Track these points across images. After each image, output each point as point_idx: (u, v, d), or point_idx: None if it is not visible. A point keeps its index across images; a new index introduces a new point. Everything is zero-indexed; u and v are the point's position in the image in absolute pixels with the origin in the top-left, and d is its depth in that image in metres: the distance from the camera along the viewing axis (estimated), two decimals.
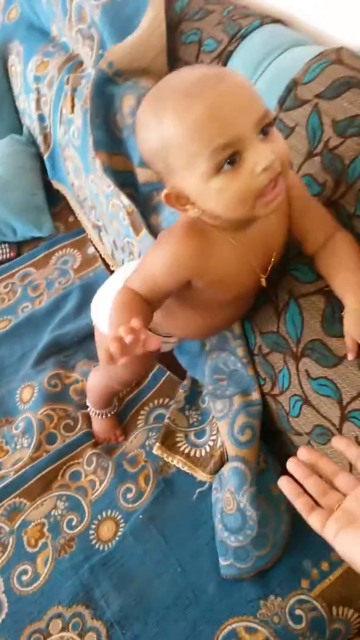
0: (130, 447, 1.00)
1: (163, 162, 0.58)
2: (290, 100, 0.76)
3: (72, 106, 1.16)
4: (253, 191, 0.55)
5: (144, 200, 0.95)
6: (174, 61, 0.96)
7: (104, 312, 0.82)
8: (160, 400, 1.05)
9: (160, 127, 0.55)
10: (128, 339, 0.53)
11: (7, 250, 1.39)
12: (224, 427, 0.84)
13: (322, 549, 0.80)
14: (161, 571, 0.85)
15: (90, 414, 1.04)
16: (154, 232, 0.92)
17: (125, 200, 0.94)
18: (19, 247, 1.41)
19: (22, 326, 1.24)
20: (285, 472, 0.56)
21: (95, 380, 0.99)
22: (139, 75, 0.95)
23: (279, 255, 0.71)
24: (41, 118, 1.32)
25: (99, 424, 1.03)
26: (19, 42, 1.41)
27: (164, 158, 0.57)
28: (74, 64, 1.22)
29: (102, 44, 1.08)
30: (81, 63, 1.20)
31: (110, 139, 0.96)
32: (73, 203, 1.37)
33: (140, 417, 1.04)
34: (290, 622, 0.76)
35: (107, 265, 1.30)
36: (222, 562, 0.81)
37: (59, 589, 0.86)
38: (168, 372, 1.08)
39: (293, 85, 0.76)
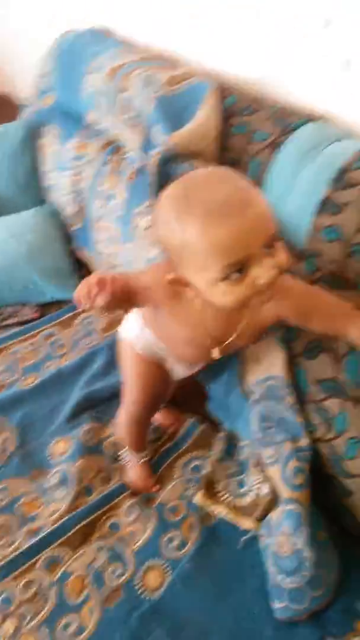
0: (168, 497, 1.02)
1: (178, 256, 0.68)
2: (342, 182, 0.89)
3: (114, 183, 1.28)
4: (253, 297, 0.66)
5: None
6: (223, 149, 1.10)
7: (132, 325, 0.93)
8: (196, 453, 1.09)
9: (182, 232, 0.64)
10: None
11: (32, 310, 1.44)
12: (276, 472, 0.89)
13: None
14: (214, 617, 0.85)
15: (125, 461, 1.07)
16: None
17: None
18: (43, 308, 1.46)
19: (48, 382, 1.27)
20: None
21: (121, 416, 1.04)
22: (192, 158, 1.08)
23: (240, 340, 0.81)
24: (77, 192, 1.43)
25: (134, 472, 1.06)
26: (57, 125, 1.55)
27: (179, 254, 0.67)
28: (114, 147, 1.36)
29: (147, 131, 1.22)
30: (121, 147, 1.34)
31: None
32: (99, 269, 1.46)
33: (175, 468, 1.08)
34: None
35: None
36: (277, 605, 0.83)
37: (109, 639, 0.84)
38: (203, 425, 1.13)
39: (343, 171, 0.90)
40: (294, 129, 1.02)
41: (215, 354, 0.81)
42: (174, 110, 1.14)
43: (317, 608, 0.82)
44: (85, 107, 1.41)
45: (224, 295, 0.66)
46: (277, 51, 1.11)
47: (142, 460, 1.06)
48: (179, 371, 0.97)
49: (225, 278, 0.64)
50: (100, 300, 0.69)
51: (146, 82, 1.20)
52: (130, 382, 0.98)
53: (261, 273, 0.63)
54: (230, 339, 0.80)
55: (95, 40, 1.45)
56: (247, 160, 1.06)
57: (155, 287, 0.75)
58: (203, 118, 1.08)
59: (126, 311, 0.91)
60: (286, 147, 1.01)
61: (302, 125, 1.02)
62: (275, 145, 1.02)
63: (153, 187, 1.07)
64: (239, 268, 0.63)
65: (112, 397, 1.22)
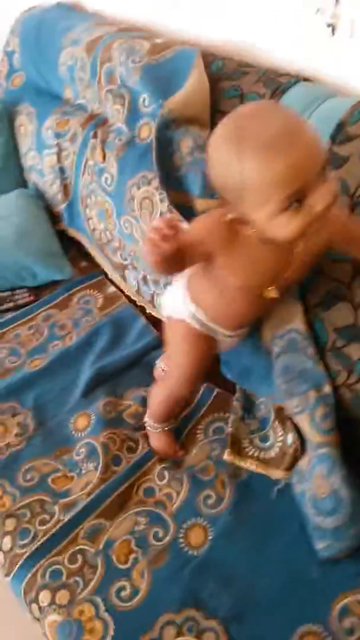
0: (196, 459, 1.05)
1: (236, 194, 0.69)
2: (342, 136, 0.92)
3: (104, 156, 1.28)
4: (311, 224, 0.69)
5: None
6: (216, 112, 1.11)
7: (170, 300, 0.96)
8: (216, 415, 1.12)
9: (241, 169, 0.66)
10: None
11: (27, 294, 1.43)
12: (305, 420, 0.93)
13: None
14: (261, 565, 0.89)
15: (149, 429, 1.09)
16: None
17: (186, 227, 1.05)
18: (37, 291, 1.45)
19: (56, 363, 1.26)
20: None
21: (159, 392, 1.05)
22: (188, 124, 1.09)
23: (295, 272, 0.84)
24: (61, 170, 1.42)
25: (158, 439, 1.08)
26: (30, 105, 1.52)
27: (238, 191, 0.69)
28: (98, 120, 1.35)
29: (133, 102, 1.22)
30: (105, 120, 1.33)
31: (168, 178, 1.08)
32: (91, 248, 1.45)
33: (198, 432, 1.10)
34: None
35: (131, 302, 1.37)
36: (320, 545, 0.88)
37: (164, 597, 0.87)
38: (217, 389, 1.16)
39: (342, 125, 0.93)
40: (286, 90, 1.04)
41: (273, 293, 0.83)
42: (160, 78, 1.15)
43: (357, 544, 0.87)
44: (62, 82, 1.39)
45: (285, 226, 0.68)
46: (257, 16, 1.12)
47: (167, 428, 1.08)
48: (225, 343, 1.00)
49: (286, 209, 0.66)
50: (168, 247, 0.69)
51: (129, 52, 1.19)
52: (183, 359, 0.99)
53: (318, 200, 0.66)
54: (289, 272, 0.82)
55: (65, 14, 1.43)
56: None
57: (209, 236, 0.77)
58: (195, 83, 1.08)
59: (177, 271, 0.88)
60: None
61: (293, 85, 1.05)
62: None
63: (157, 157, 1.07)
64: (298, 197, 0.66)
65: (122, 370, 1.23)
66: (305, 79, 1.06)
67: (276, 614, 0.84)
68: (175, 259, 0.74)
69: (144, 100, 1.18)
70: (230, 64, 1.14)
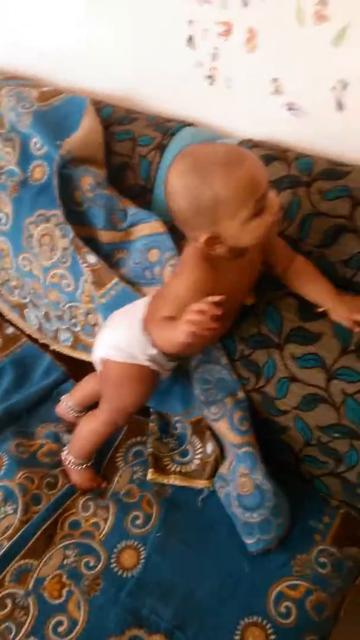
0: (119, 486, 1.06)
1: (209, 213, 0.79)
2: None
3: None
4: (273, 225, 0.82)
5: (106, 258, 1.12)
6: (110, 153, 1.20)
7: (120, 345, 0.97)
8: (133, 440, 1.13)
9: (211, 188, 0.76)
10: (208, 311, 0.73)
11: None
12: (224, 425, 0.99)
13: (319, 507, 0.98)
14: (196, 572, 0.91)
15: (69, 468, 1.07)
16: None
17: (93, 259, 1.09)
18: None
19: None
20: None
21: (94, 430, 1.04)
22: (86, 163, 1.15)
23: (253, 277, 0.95)
24: None
25: (79, 476, 1.06)
26: None
27: (211, 210, 0.78)
28: None
29: (24, 145, 1.26)
30: None
31: (69, 214, 1.12)
32: None
33: (118, 460, 1.11)
34: (319, 569, 0.90)
35: (33, 340, 1.36)
36: (249, 541, 0.93)
37: (104, 623, 0.86)
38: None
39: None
40: (174, 133, 1.16)
41: (250, 299, 0.95)
42: (52, 123, 1.21)
43: (282, 534, 0.93)
44: None
45: (255, 230, 0.79)
46: (144, 66, 1.24)
47: (89, 464, 1.07)
48: (165, 375, 1.04)
49: (256, 213, 0.77)
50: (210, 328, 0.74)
51: (18, 98, 1.24)
52: (132, 398, 1.01)
53: (273, 204, 0.80)
54: (251, 277, 0.93)
55: None
56: (137, 162, 1.17)
57: (199, 274, 0.85)
58: (88, 126, 1.16)
59: None
60: (171, 148, 1.14)
61: (181, 129, 1.17)
62: (160, 147, 1.15)
63: (56, 190, 1.12)
64: (262, 203, 0.77)
65: (31, 408, 1.21)
66: (190, 124, 1.19)
67: (218, 614, 0.86)
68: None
69: (35, 143, 1.22)
70: (119, 110, 1.24)
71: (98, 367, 1.03)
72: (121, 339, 0.97)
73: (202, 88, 1.14)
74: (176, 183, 0.80)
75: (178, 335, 0.75)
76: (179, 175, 0.79)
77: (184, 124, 1.17)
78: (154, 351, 0.94)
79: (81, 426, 1.06)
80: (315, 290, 0.92)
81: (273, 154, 1.03)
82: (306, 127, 1.03)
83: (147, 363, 0.96)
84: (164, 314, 0.86)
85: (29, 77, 1.42)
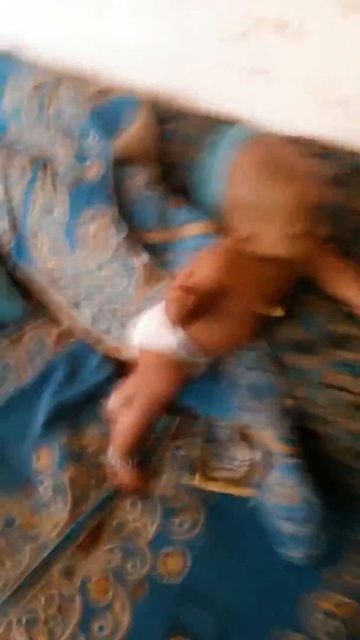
0: (165, 488, 1.05)
1: (262, 214, 0.80)
2: None
3: (55, 191, 1.30)
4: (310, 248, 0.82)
5: (157, 258, 1.11)
6: (162, 154, 1.18)
7: (151, 332, 0.99)
8: (179, 442, 1.13)
9: (272, 191, 0.77)
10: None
11: None
12: (270, 434, 0.97)
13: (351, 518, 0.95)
14: (238, 582, 0.91)
15: (114, 467, 1.08)
16: None
17: (145, 258, 1.09)
18: None
19: (12, 401, 1.23)
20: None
21: (132, 421, 1.05)
22: (138, 162, 1.15)
23: (286, 289, 0.92)
24: (9, 207, 1.41)
25: (125, 476, 1.07)
26: None
27: (262, 211, 0.79)
28: (41, 163, 1.37)
29: (81, 141, 1.26)
30: (47, 163, 1.36)
31: (120, 214, 1.12)
32: (42, 284, 1.45)
33: (163, 462, 1.10)
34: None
35: (86, 336, 1.37)
36: (296, 554, 0.91)
37: (148, 629, 0.87)
38: (179, 417, 1.17)
39: None
40: (224, 132, 1.12)
41: (279, 311, 0.93)
42: (107, 119, 1.20)
43: (326, 547, 0.90)
44: (7, 122, 1.41)
45: (292, 246, 0.80)
46: (193, 64, 1.21)
47: (135, 463, 1.07)
48: (200, 370, 1.04)
49: (302, 234, 0.78)
50: (190, 302, 0.78)
51: (75, 95, 1.24)
52: (165, 386, 1.02)
53: (323, 227, 0.80)
54: (286, 286, 0.92)
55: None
56: (185, 163, 1.14)
57: (224, 271, 0.85)
58: (143, 124, 1.15)
59: (196, 321, 0.90)
60: (220, 147, 1.10)
61: (230, 127, 1.13)
62: (208, 146, 1.12)
63: (109, 189, 1.11)
64: (313, 225, 0.78)
65: (81, 405, 1.22)
66: (236, 122, 1.15)
67: (257, 624, 0.85)
68: (196, 311, 0.81)
69: (92, 140, 1.22)
70: (168, 109, 1.22)
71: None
72: (149, 327, 0.98)
73: (247, 84, 1.10)
74: (246, 169, 0.80)
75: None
76: (254, 163, 0.80)
77: (232, 123, 1.13)
78: (180, 337, 0.95)
79: (122, 420, 1.07)
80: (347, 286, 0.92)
81: (322, 152, 0.98)
82: (354, 124, 0.98)
83: (175, 350, 0.97)
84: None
85: (83, 72, 1.41)
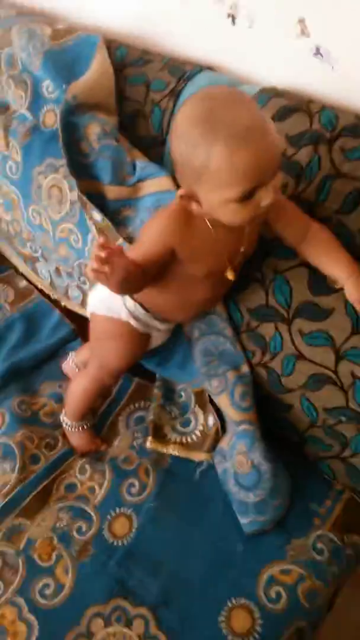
0: (118, 451, 1.04)
1: (196, 172, 0.70)
2: None
3: (7, 144, 1.23)
4: (255, 216, 0.73)
5: (113, 216, 1.05)
6: (121, 99, 1.11)
7: (103, 297, 0.94)
8: (136, 405, 1.11)
9: (208, 152, 0.67)
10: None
11: None
12: (225, 400, 0.95)
13: (322, 490, 0.94)
14: (188, 547, 0.89)
15: (67, 429, 1.06)
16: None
17: (99, 216, 1.03)
18: None
19: None
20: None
21: (82, 386, 1.02)
22: (94, 110, 1.07)
23: (247, 250, 0.87)
24: None
25: (78, 437, 1.05)
26: None
27: (197, 173, 0.70)
28: (0, 107, 1.29)
29: (36, 87, 1.18)
30: (7, 106, 1.28)
31: (76, 166, 1.05)
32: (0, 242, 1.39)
33: (118, 424, 1.08)
34: (316, 556, 0.87)
35: (45, 296, 1.33)
36: (244, 520, 0.89)
37: (90, 591, 0.85)
38: (136, 379, 1.15)
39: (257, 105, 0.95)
40: (190, 77, 1.05)
41: (230, 274, 0.85)
42: (63, 64, 1.12)
43: (280, 516, 0.89)
44: None
45: (233, 214, 0.71)
46: (160, 4, 1.13)
47: (86, 426, 1.05)
48: (158, 339, 1.00)
49: (242, 199, 0.68)
50: (115, 277, 0.70)
51: (30, 37, 1.15)
52: (116, 355, 0.98)
53: (266, 196, 0.69)
54: (242, 250, 0.84)
55: None
56: (150, 109, 1.08)
57: (168, 233, 0.79)
58: (99, 69, 1.07)
59: (145, 287, 0.84)
60: (186, 94, 1.04)
61: (197, 73, 1.06)
62: (174, 93, 1.05)
63: (61, 139, 1.05)
64: (252, 192, 0.68)
65: (37, 365, 1.19)
66: (209, 68, 1.08)
67: (205, 593, 0.84)
68: (136, 278, 0.75)
69: (47, 86, 1.14)
70: (133, 51, 1.13)
71: None
72: (105, 292, 0.91)
73: (222, 28, 1.02)
74: (181, 125, 0.71)
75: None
76: (187, 118, 0.70)
77: (202, 68, 1.06)
78: (131, 303, 0.91)
79: (71, 385, 1.05)
80: (331, 263, 0.83)
81: (295, 105, 0.92)
82: (334, 75, 0.91)
83: (128, 319, 0.92)
84: (130, 255, 0.79)
85: (43, 12, 1.31)
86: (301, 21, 0.92)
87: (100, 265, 0.68)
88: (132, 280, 0.75)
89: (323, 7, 0.88)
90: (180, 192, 0.75)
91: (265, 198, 0.70)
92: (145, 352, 1.02)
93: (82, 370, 1.05)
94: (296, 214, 0.85)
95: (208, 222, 0.78)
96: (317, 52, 0.93)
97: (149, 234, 0.81)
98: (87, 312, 1.20)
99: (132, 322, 0.93)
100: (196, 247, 0.81)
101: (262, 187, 0.69)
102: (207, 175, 0.69)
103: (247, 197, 0.69)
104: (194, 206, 0.75)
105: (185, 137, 0.70)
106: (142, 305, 0.92)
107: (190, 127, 0.69)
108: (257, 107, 0.71)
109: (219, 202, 0.71)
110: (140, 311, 0.92)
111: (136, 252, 0.80)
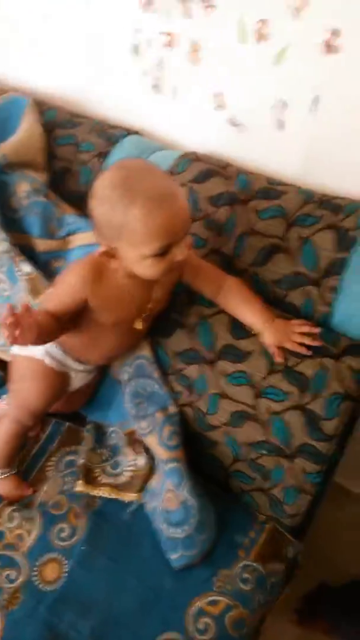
0: (47, 496, 1.04)
1: (115, 231, 0.79)
2: None
3: None
4: (169, 270, 0.82)
5: (43, 267, 1.10)
6: (51, 158, 1.18)
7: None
8: (67, 449, 1.12)
9: (125, 214, 0.76)
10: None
11: None
12: (153, 440, 0.99)
13: (246, 522, 0.99)
14: (118, 587, 0.91)
15: None
16: None
17: (28, 268, 1.07)
18: None
19: None
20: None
21: (3, 431, 1.03)
22: (24, 168, 1.13)
23: (158, 302, 0.95)
24: None
25: (4, 485, 1.04)
26: None
27: (117, 229, 0.78)
28: None
29: None
30: None
31: (6, 220, 1.10)
32: None
33: (49, 468, 1.09)
34: (242, 585, 0.91)
35: None
36: (173, 556, 0.93)
37: (21, 637, 0.84)
38: (67, 423, 1.16)
39: (170, 174, 1.05)
40: (117, 140, 1.15)
41: (138, 324, 0.92)
42: None
43: (206, 550, 0.93)
44: None
45: (150, 268, 0.80)
46: (93, 70, 1.23)
47: (12, 473, 1.05)
48: (78, 380, 1.04)
49: (158, 254, 0.77)
50: (29, 336, 0.76)
51: None
52: (35, 395, 1.01)
53: (179, 253, 0.79)
54: (150, 305, 0.91)
55: None
56: (78, 169, 1.15)
57: (81, 285, 0.85)
58: (28, 129, 1.14)
59: (57, 337, 0.91)
60: (113, 156, 1.13)
61: (123, 137, 1.16)
62: (102, 155, 1.14)
63: None
64: (166, 250, 0.77)
65: None
66: (135, 132, 1.18)
67: (136, 629, 0.86)
68: (50, 329, 0.82)
69: None
70: (63, 114, 1.22)
71: None
72: None
73: (148, 97, 1.14)
74: (101, 190, 0.80)
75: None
76: (107, 184, 0.79)
77: (128, 132, 1.16)
78: (47, 345, 0.95)
79: None
80: (247, 313, 0.93)
81: (214, 168, 1.03)
82: (248, 143, 1.04)
83: (45, 358, 0.97)
84: (42, 305, 0.88)
85: None
86: (218, 95, 1.04)
87: (11, 330, 0.74)
88: (46, 332, 0.82)
89: (237, 83, 1.01)
90: (101, 249, 0.83)
91: (179, 254, 0.79)
92: (66, 393, 1.05)
93: (2, 415, 1.06)
94: (210, 271, 0.95)
95: (122, 276, 0.86)
96: (233, 122, 1.05)
97: (63, 286, 0.88)
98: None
99: (47, 360, 0.97)
100: (107, 297, 0.88)
101: (175, 245, 0.78)
102: (125, 233, 0.77)
103: (161, 253, 0.78)
104: (112, 262, 0.83)
105: (105, 199, 0.78)
106: (57, 345, 0.97)
107: (109, 191, 0.78)
108: (167, 177, 0.83)
109: (136, 257, 0.79)
110: (54, 350, 0.97)
111: (51, 302, 0.87)
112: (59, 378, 1.01)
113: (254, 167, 1.03)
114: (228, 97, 1.02)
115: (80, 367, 1.01)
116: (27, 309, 0.77)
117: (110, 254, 0.82)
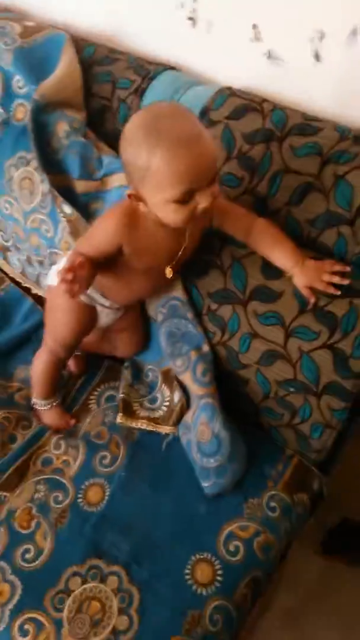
0: (90, 427, 1.11)
1: (139, 175, 0.79)
2: (205, 121, 1.03)
3: None
4: (193, 218, 0.81)
5: (82, 209, 1.12)
6: (90, 96, 1.17)
7: (56, 269, 0.99)
8: (107, 385, 1.18)
9: (150, 156, 0.75)
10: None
11: None
12: (188, 377, 1.03)
13: (274, 455, 1.04)
14: (156, 511, 0.98)
15: (38, 409, 1.12)
16: None
17: (69, 209, 1.10)
18: None
19: None
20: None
21: (41, 361, 1.09)
22: (63, 107, 1.13)
23: (188, 250, 0.95)
24: None
25: (49, 415, 1.12)
26: None
27: (142, 174, 0.78)
28: None
29: (7, 82, 1.23)
30: None
31: (46, 161, 1.11)
32: None
33: (91, 402, 1.16)
34: (269, 513, 0.97)
35: (16, 283, 1.39)
36: (206, 484, 0.99)
37: (68, 553, 0.93)
38: (106, 360, 1.22)
39: (205, 111, 1.03)
40: (154, 77, 1.12)
41: (169, 273, 0.93)
42: (33, 61, 1.17)
43: (237, 478, 0.99)
44: None
45: (172, 213, 0.80)
46: (126, 6, 1.19)
47: (55, 403, 1.12)
48: (104, 316, 1.07)
49: (182, 200, 0.77)
50: (81, 289, 0.81)
51: (1, 34, 1.20)
52: (64, 327, 1.04)
53: (203, 199, 0.78)
54: (183, 250, 0.92)
55: None
56: (116, 106, 1.14)
57: (116, 229, 0.87)
58: (66, 67, 1.13)
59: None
60: (150, 92, 1.11)
61: (161, 73, 1.13)
62: (139, 91, 1.12)
63: (31, 136, 1.10)
64: (190, 196, 0.77)
65: (10, 350, 1.25)
66: (172, 68, 1.15)
67: (171, 550, 0.93)
68: (94, 274, 0.85)
69: (18, 81, 1.19)
70: (101, 50, 1.20)
71: None
72: (61, 264, 0.99)
73: (184, 30, 1.10)
74: (129, 131, 0.80)
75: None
76: (135, 125, 0.79)
77: (165, 67, 1.13)
78: None
79: (33, 364, 1.11)
80: (276, 254, 0.92)
81: (250, 104, 1.00)
82: (285, 77, 1.00)
83: None
84: (78, 248, 0.89)
85: (14, 9, 1.36)
86: (255, 27, 1.00)
87: (71, 285, 0.80)
88: (92, 278, 0.86)
89: (274, 14, 0.96)
90: (128, 191, 0.83)
91: (203, 201, 0.78)
92: (94, 326, 1.08)
93: (39, 350, 1.12)
94: (239, 213, 0.94)
95: (152, 223, 0.86)
96: (269, 55, 1.01)
97: (100, 231, 0.90)
98: None
99: (86, 297, 1.00)
100: (140, 244, 0.89)
101: (200, 191, 0.77)
102: (149, 176, 0.77)
103: (185, 199, 0.77)
104: (140, 205, 0.84)
105: (132, 140, 0.78)
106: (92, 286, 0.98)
107: (136, 131, 0.78)
108: (197, 121, 0.80)
109: (160, 201, 0.79)
110: (92, 291, 1.00)
111: (88, 245, 0.89)
112: (86, 310, 1.03)
113: (289, 102, 1.00)
114: (264, 29, 0.98)
115: (107, 303, 1.04)
116: (82, 264, 0.81)
117: (138, 197, 0.82)
